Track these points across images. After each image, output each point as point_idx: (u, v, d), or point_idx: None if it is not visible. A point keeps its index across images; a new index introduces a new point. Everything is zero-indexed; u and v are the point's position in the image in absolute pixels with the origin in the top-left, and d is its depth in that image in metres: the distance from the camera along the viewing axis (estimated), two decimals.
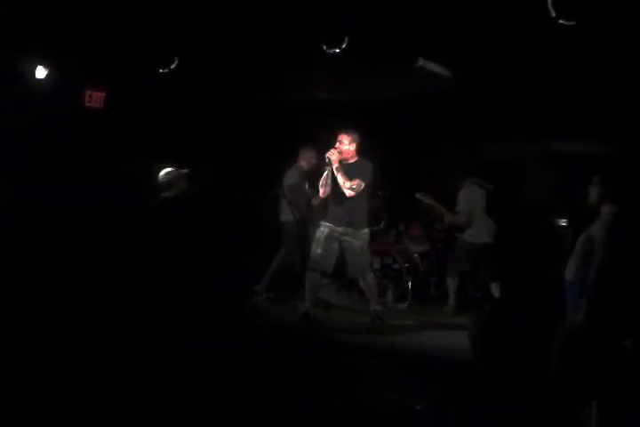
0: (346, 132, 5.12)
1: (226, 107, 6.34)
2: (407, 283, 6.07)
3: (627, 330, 3.00)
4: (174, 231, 4.45)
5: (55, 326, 4.16)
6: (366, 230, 5.24)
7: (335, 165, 5.03)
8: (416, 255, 6.30)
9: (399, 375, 4.05)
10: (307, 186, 6.06)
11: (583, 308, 2.91)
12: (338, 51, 4.92)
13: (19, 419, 3.10)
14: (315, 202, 5.91)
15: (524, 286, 3.37)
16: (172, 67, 5.45)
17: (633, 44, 4.18)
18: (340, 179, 5.02)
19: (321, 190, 5.21)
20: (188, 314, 4.10)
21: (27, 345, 3.88)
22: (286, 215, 6.12)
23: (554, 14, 3.89)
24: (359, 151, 5.18)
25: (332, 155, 5.03)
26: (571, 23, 3.90)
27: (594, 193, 3.06)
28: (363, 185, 5.03)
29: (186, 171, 4.72)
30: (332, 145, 5.11)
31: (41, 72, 5.93)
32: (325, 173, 5.13)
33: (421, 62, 5.11)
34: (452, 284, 5.79)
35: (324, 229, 5.24)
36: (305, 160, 6.10)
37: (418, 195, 5.87)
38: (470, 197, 5.66)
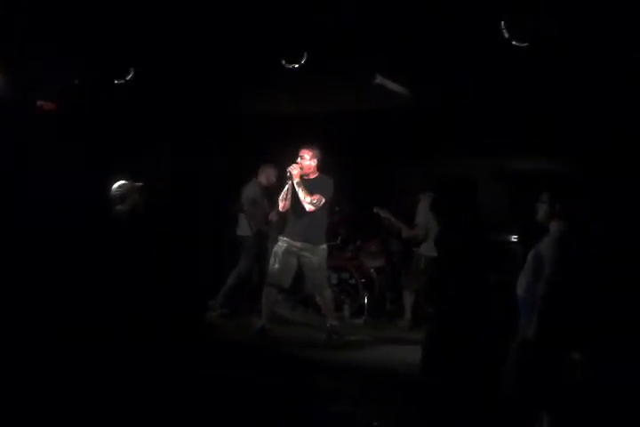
0: (308, 148, 5.13)
1: (184, 121, 6.29)
2: (363, 298, 6.08)
3: (576, 342, 3.08)
4: (128, 245, 4.37)
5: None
6: (324, 246, 5.25)
7: (296, 180, 5.03)
8: (372, 270, 6.33)
9: (356, 391, 4.05)
10: (265, 201, 6.06)
11: (534, 321, 2.98)
12: (297, 66, 4.95)
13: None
14: (273, 217, 5.90)
15: (473, 301, 3.42)
16: (128, 78, 5.37)
17: (584, 64, 4.34)
18: (301, 193, 5.02)
19: (280, 204, 5.19)
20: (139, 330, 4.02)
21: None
22: (244, 230, 6.11)
23: (507, 36, 4.01)
24: (320, 168, 5.20)
25: (294, 169, 5.04)
26: (524, 44, 4.03)
27: (542, 210, 3.14)
28: (323, 200, 5.04)
29: (140, 184, 4.64)
30: (292, 160, 5.12)
31: None
32: (286, 187, 5.13)
33: (379, 79, 5.19)
34: (408, 298, 5.83)
35: (282, 243, 5.22)
36: (264, 176, 6.11)
37: (375, 209, 5.92)
38: (426, 210, 5.73)
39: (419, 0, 4.26)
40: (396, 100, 5.52)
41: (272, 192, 5.96)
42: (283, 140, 5.75)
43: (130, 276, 4.17)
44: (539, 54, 4.23)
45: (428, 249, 5.69)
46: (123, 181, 4.59)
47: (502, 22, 4.01)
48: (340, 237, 6.53)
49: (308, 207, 5.02)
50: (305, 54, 4.91)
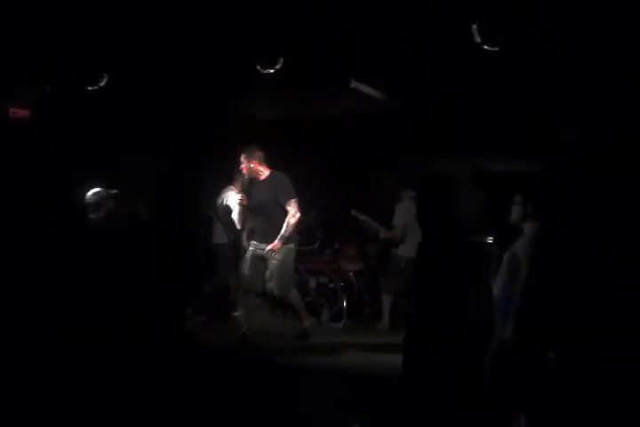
0: (243, 153, 5.13)
1: (159, 127, 6.24)
2: (342, 302, 6.09)
3: (552, 342, 3.12)
4: (103, 252, 4.32)
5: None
6: (291, 246, 5.17)
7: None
8: (351, 274, 6.34)
9: (336, 393, 4.05)
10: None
11: (510, 322, 3.01)
12: (272, 71, 4.94)
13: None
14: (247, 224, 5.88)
15: (450, 303, 3.45)
16: (102, 84, 5.31)
17: (556, 67, 4.41)
18: (287, 229, 5.01)
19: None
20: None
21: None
22: (220, 237, 6.06)
23: (478, 40, 4.06)
24: (269, 163, 5.19)
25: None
26: (495, 48, 4.08)
27: (516, 211, 3.19)
28: (295, 205, 5.03)
29: (115, 191, 4.59)
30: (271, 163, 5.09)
31: None
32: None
33: (354, 84, 5.20)
34: (386, 301, 5.85)
35: (251, 248, 5.23)
36: (239, 182, 6.07)
37: (353, 212, 5.93)
38: (406, 210, 5.76)
39: (393, 3, 4.28)
40: (370, 104, 5.54)
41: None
42: (258, 146, 5.74)
43: (105, 282, 4.13)
44: (512, 57, 4.29)
45: (406, 251, 5.72)
46: (97, 189, 4.54)
47: (474, 26, 4.05)
48: (318, 241, 6.52)
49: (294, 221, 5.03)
50: (280, 59, 4.91)
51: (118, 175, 5.50)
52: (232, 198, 6.01)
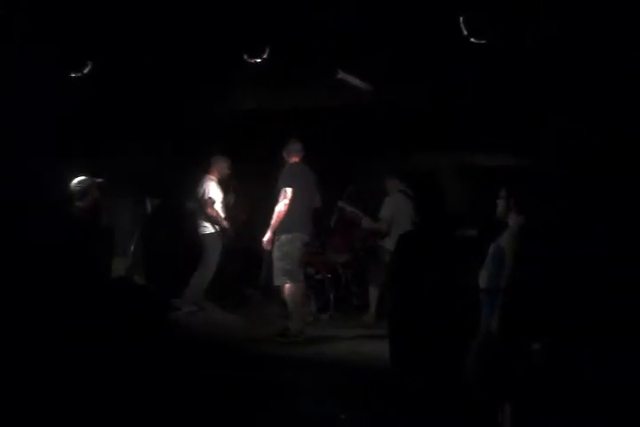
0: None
1: (145, 117, 6.18)
2: (329, 293, 6.10)
3: (537, 334, 3.15)
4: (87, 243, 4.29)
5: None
6: (286, 235, 5.13)
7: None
8: (338, 265, 6.35)
9: (322, 385, 4.06)
10: (222, 196, 6.01)
11: (496, 314, 3.03)
12: (259, 61, 4.91)
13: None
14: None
15: (434, 295, 3.46)
16: (85, 71, 5.23)
17: (542, 61, 4.41)
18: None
19: None
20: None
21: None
22: (205, 228, 6.01)
23: (465, 33, 4.06)
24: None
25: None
26: (482, 41, 4.08)
27: (501, 205, 3.21)
28: (288, 191, 5.10)
29: (100, 180, 4.56)
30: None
31: None
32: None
33: (341, 75, 5.18)
34: (373, 293, 5.86)
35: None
36: (217, 169, 6.00)
37: (340, 203, 5.93)
38: (394, 204, 5.75)
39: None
40: (357, 96, 5.53)
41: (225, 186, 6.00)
42: (242, 137, 5.71)
43: (89, 273, 4.10)
44: (500, 52, 4.29)
45: (393, 244, 5.71)
46: (82, 177, 4.50)
47: (461, 18, 4.04)
48: None
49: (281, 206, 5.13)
50: (267, 49, 4.87)
51: (105, 164, 5.46)
52: (213, 189, 5.97)
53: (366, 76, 5.34)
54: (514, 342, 3.06)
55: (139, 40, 5.09)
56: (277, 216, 5.11)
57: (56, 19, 4.84)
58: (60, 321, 3.82)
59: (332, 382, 4.11)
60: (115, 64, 5.35)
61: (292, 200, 5.11)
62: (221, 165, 5.99)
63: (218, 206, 5.97)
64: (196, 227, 6.03)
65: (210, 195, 5.91)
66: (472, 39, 4.04)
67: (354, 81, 5.33)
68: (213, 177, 6.00)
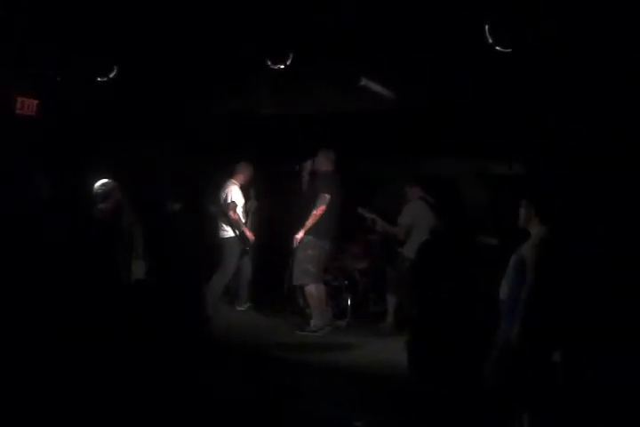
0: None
1: (169, 120, 6.24)
2: (347, 300, 6.08)
3: (557, 345, 3.11)
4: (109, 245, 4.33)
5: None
6: (308, 238, 5.39)
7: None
8: (356, 272, 6.33)
9: (338, 392, 4.05)
10: (244, 202, 6.05)
11: (516, 324, 3.00)
12: (282, 67, 4.93)
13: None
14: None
15: (455, 305, 3.43)
16: (111, 76, 5.31)
17: (564, 71, 4.38)
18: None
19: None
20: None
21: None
22: (226, 232, 6.03)
23: (491, 41, 4.04)
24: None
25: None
26: (507, 50, 4.06)
27: (522, 214, 3.18)
28: (327, 197, 5.36)
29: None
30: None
31: None
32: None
33: (364, 82, 5.18)
34: (391, 301, 5.83)
35: None
36: (242, 175, 6.05)
37: (360, 210, 5.92)
38: (414, 211, 5.71)
39: (401, 2, 4.27)
40: (379, 102, 5.53)
41: (247, 191, 6.06)
42: (266, 141, 5.73)
43: (109, 275, 4.14)
44: (521, 59, 4.27)
45: (412, 251, 5.68)
46: (105, 180, 4.57)
47: (486, 27, 4.03)
48: None
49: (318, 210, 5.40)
50: (290, 55, 4.89)
51: (126, 167, 5.52)
52: (236, 193, 6.00)
53: (385, 82, 5.35)
54: (534, 352, 3.03)
55: (165, 47, 5.15)
56: (313, 218, 5.37)
57: (64, 20, 4.90)
58: (80, 322, 3.86)
59: (348, 388, 4.10)
60: (138, 69, 5.42)
61: (328, 206, 5.37)
62: (246, 171, 6.05)
63: (239, 211, 6.00)
64: (216, 230, 6.06)
65: (233, 199, 5.95)
66: (497, 47, 4.02)
67: (375, 88, 5.34)
68: (237, 182, 6.04)
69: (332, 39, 4.65)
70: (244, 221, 6.03)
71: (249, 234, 5.98)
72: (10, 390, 3.38)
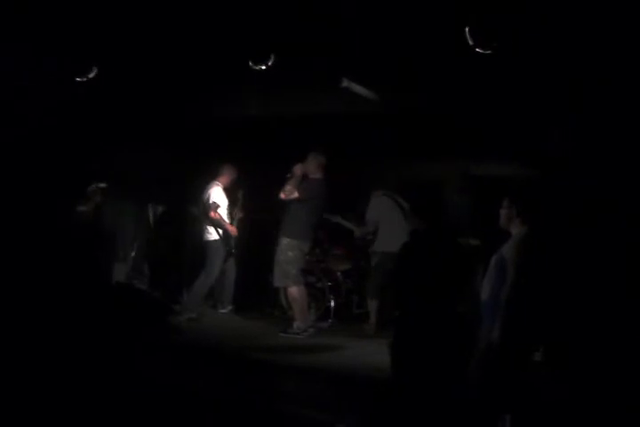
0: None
1: (149, 123, 6.19)
2: (330, 301, 6.07)
3: (539, 345, 3.13)
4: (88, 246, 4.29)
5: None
6: (287, 240, 5.34)
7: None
8: (339, 274, 6.32)
9: (321, 393, 4.04)
10: (227, 203, 6.02)
11: (498, 325, 3.01)
12: (264, 68, 4.92)
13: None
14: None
15: (435, 305, 3.43)
16: (91, 76, 5.25)
17: (546, 71, 4.42)
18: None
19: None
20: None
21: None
22: (209, 235, 6.00)
23: (471, 43, 4.06)
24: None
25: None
26: (487, 52, 4.09)
27: (504, 215, 3.20)
28: (295, 194, 5.29)
29: (103, 185, 4.58)
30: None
31: None
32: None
33: (346, 83, 5.18)
34: (372, 303, 5.82)
35: None
36: (225, 177, 6.04)
37: (335, 219, 5.96)
38: (377, 206, 5.75)
39: (382, 4, 4.28)
40: (362, 104, 5.53)
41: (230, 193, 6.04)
42: (248, 143, 5.70)
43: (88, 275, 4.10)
44: (501, 60, 4.30)
45: (380, 245, 5.68)
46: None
47: (467, 29, 4.05)
48: None
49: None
50: (272, 56, 4.88)
51: (108, 170, 5.47)
52: (218, 194, 5.98)
53: (369, 84, 5.35)
54: (515, 352, 3.05)
55: (145, 48, 5.12)
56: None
57: (59, 22, 4.86)
58: (60, 323, 3.82)
59: (330, 390, 4.09)
60: (119, 70, 5.38)
61: (310, 208, 5.37)
62: (230, 173, 6.04)
63: (222, 211, 5.97)
64: (199, 233, 6.03)
65: (214, 199, 5.92)
66: (477, 49, 4.04)
67: (359, 90, 5.34)
68: (220, 183, 6.03)
69: (313, 40, 4.65)
70: (228, 222, 6.01)
71: (231, 229, 5.95)
72: None
